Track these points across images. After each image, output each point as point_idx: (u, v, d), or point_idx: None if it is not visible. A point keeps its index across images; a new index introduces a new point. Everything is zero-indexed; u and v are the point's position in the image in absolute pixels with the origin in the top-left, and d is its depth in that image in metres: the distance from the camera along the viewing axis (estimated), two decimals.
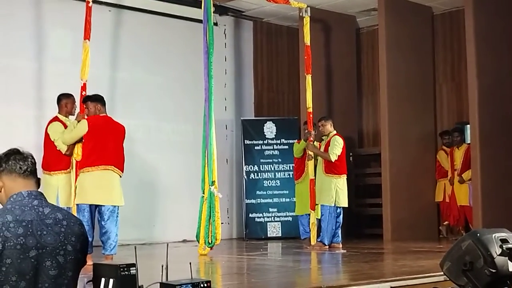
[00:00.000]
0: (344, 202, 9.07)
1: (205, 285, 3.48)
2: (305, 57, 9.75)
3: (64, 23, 9.82)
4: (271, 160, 11.51)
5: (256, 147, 11.51)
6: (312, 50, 9.76)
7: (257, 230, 11.30)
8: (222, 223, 8.45)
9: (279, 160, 11.48)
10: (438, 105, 11.55)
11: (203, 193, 8.11)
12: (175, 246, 9.49)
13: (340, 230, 9.15)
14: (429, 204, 11.04)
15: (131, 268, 3.47)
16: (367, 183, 11.80)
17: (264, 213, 11.33)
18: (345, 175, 9.15)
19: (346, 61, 12.04)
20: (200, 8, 8.55)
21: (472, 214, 9.90)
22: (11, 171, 2.90)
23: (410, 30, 11.04)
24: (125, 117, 9.24)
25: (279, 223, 11.33)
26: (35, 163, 2.98)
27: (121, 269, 3.44)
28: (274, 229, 11.30)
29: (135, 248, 3.60)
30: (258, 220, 11.33)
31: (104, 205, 7.39)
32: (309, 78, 9.63)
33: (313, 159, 9.32)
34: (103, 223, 7.38)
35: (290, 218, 11.11)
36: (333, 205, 8.98)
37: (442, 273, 3.94)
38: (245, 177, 11.41)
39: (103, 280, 3.47)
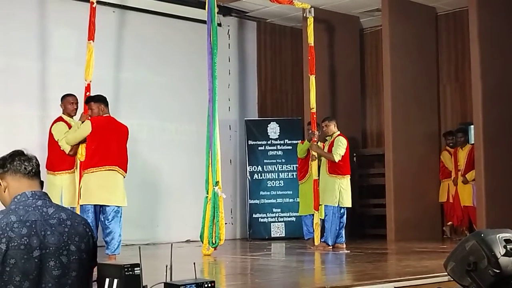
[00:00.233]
0: (347, 202, 9.07)
1: (209, 285, 3.49)
2: (309, 58, 9.75)
3: (68, 23, 9.85)
4: (275, 161, 11.51)
5: (259, 148, 11.52)
6: (315, 50, 9.77)
7: (261, 231, 11.30)
8: (226, 223, 8.44)
9: (283, 160, 11.48)
10: (442, 106, 11.54)
11: (207, 194, 8.12)
12: (178, 246, 9.48)
13: (343, 231, 9.15)
14: (433, 204, 11.03)
15: (135, 268, 3.47)
16: (371, 183, 11.79)
17: (267, 214, 11.33)
18: (349, 176, 9.15)
19: (349, 62, 12.03)
20: (204, 9, 8.56)
21: (475, 215, 9.89)
22: (16, 172, 2.91)
23: (414, 30, 11.03)
24: (129, 117, 9.26)
25: (283, 223, 11.33)
26: (39, 164, 2.99)
27: (126, 269, 3.44)
28: (277, 230, 11.30)
29: (140, 248, 3.60)
30: (261, 220, 11.33)
31: (108, 206, 7.41)
32: (312, 78, 9.64)
33: (316, 160, 9.33)
34: (107, 223, 7.40)
35: (293, 219, 11.11)
36: (336, 205, 8.98)
37: (446, 273, 3.93)
38: (249, 177, 11.41)
39: (107, 280, 3.47)
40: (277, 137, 11.54)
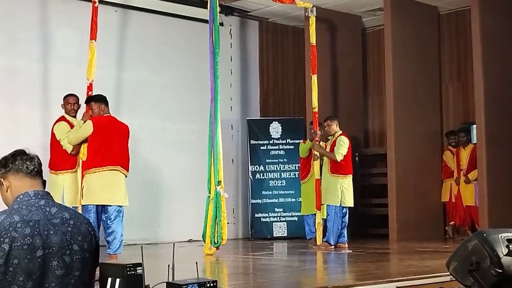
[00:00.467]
0: (350, 202, 9.06)
1: (212, 285, 3.49)
2: (311, 57, 9.74)
3: (70, 23, 9.85)
4: (277, 160, 11.50)
5: (261, 147, 11.52)
6: (317, 50, 9.76)
7: (263, 230, 11.30)
8: (228, 223, 8.45)
9: (285, 160, 11.47)
10: (444, 105, 11.53)
11: (209, 193, 8.12)
12: (180, 246, 9.49)
13: (346, 230, 9.14)
14: (435, 204, 11.02)
15: (137, 268, 3.47)
16: (373, 183, 11.78)
17: (270, 213, 11.33)
18: (351, 175, 9.15)
19: (351, 61, 12.03)
20: (206, 8, 8.56)
21: (478, 214, 9.89)
22: (18, 171, 2.91)
23: (416, 29, 11.02)
24: (130, 117, 9.26)
25: (285, 223, 11.32)
26: (41, 164, 3.00)
27: (128, 269, 3.44)
28: (280, 229, 11.30)
29: (142, 248, 3.60)
30: (264, 220, 11.33)
31: (110, 205, 7.42)
32: (314, 78, 9.63)
33: (318, 159, 9.32)
34: (109, 223, 7.40)
35: (295, 218, 11.10)
36: (339, 205, 8.98)
37: (448, 273, 3.94)
38: (251, 177, 11.41)
39: (109, 279, 3.47)
40: (279, 136, 11.54)
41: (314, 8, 9.75)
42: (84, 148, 7.55)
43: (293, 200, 11.17)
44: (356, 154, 11.23)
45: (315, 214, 9.34)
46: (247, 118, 11.77)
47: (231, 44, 11.85)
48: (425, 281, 5.49)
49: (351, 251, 8.68)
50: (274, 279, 6.48)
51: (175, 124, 11.00)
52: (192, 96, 10.94)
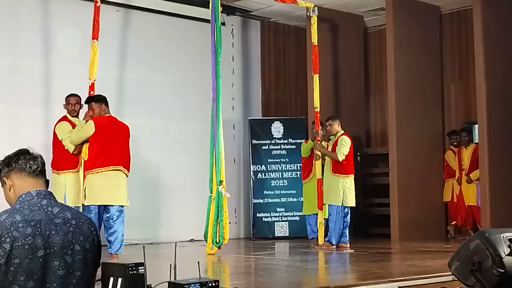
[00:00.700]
0: (351, 201, 9.06)
1: (214, 284, 3.48)
2: (313, 57, 9.74)
3: (72, 22, 9.85)
4: (279, 160, 11.50)
5: (263, 147, 11.52)
6: (319, 49, 9.76)
7: (265, 230, 11.31)
8: (229, 222, 8.44)
9: (287, 160, 11.47)
10: (446, 105, 11.53)
11: (211, 193, 8.12)
12: (182, 245, 9.50)
13: (347, 230, 9.14)
14: (437, 204, 11.02)
15: (139, 267, 3.47)
16: (375, 183, 11.78)
17: (271, 213, 11.33)
18: (353, 175, 9.14)
19: (353, 61, 12.02)
20: (208, 8, 8.55)
21: (480, 214, 9.88)
22: (21, 170, 2.91)
23: (418, 29, 11.02)
24: (132, 116, 9.28)
25: (287, 222, 11.32)
26: (44, 163, 2.99)
27: (130, 268, 3.44)
28: (281, 229, 11.29)
29: (144, 248, 3.60)
30: (265, 219, 11.33)
31: (113, 205, 7.42)
32: (316, 77, 9.63)
33: (320, 159, 9.31)
34: (111, 222, 7.41)
35: (297, 218, 11.10)
36: (340, 204, 8.97)
37: (450, 273, 3.93)
38: (253, 177, 11.41)
39: (111, 279, 3.47)
40: (281, 136, 11.54)
41: (316, 7, 9.75)
42: (85, 148, 7.56)
43: (294, 200, 11.17)
44: (358, 153, 11.22)
45: (316, 214, 9.33)
46: (249, 117, 11.77)
47: (233, 43, 11.85)
48: (427, 281, 5.49)
49: (353, 251, 8.68)
50: (276, 278, 6.48)
51: (177, 124, 11.00)
52: (194, 95, 10.94)
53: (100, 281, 3.50)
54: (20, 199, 2.86)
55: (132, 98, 10.33)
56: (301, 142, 10.23)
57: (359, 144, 11.52)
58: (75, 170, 7.62)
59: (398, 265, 7.52)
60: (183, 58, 11.06)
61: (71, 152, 7.59)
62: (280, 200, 11.38)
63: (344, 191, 8.97)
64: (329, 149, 9.22)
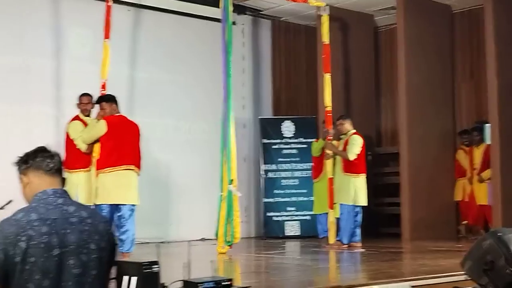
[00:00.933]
0: (362, 201, 9.04)
1: (227, 283, 3.50)
2: (324, 56, 9.73)
3: (82, 22, 9.88)
4: (289, 159, 11.50)
5: (274, 146, 11.52)
6: (330, 49, 9.75)
7: (275, 229, 11.30)
8: (240, 221, 8.45)
9: (298, 159, 11.47)
10: (457, 104, 11.49)
11: (222, 192, 8.13)
12: (193, 244, 9.47)
13: (359, 229, 9.13)
14: (448, 203, 10.98)
15: (153, 266, 3.49)
16: (386, 182, 11.75)
17: (282, 212, 11.33)
18: (364, 174, 9.12)
19: (364, 60, 12.00)
20: (219, 7, 8.57)
21: (491, 214, 9.85)
22: (38, 168, 2.92)
23: (429, 28, 10.98)
24: (143, 116, 9.29)
25: (297, 222, 11.31)
26: (61, 161, 3.00)
27: (144, 267, 3.45)
28: (292, 228, 11.29)
29: (157, 246, 3.62)
30: (276, 219, 11.33)
31: (124, 205, 7.45)
32: (327, 77, 9.62)
33: (331, 158, 9.30)
34: (123, 221, 7.44)
35: (308, 217, 11.09)
36: (351, 204, 8.96)
37: (462, 272, 3.93)
38: (263, 176, 11.42)
39: (126, 278, 3.49)
40: (292, 135, 11.54)
41: (327, 6, 9.74)
42: (97, 147, 7.59)
43: (305, 199, 11.14)
44: (369, 153, 11.19)
45: (327, 213, 9.33)
46: (259, 117, 11.77)
47: (243, 43, 11.85)
48: (439, 281, 5.47)
49: (364, 250, 8.67)
50: (287, 277, 6.49)
51: (187, 123, 11.01)
52: (205, 95, 10.95)
53: (114, 279, 3.52)
54: (36, 197, 2.86)
55: (143, 98, 10.35)
56: (312, 141, 10.23)
57: (370, 143, 11.48)
58: (87, 169, 7.66)
59: (409, 264, 7.52)
60: (194, 58, 11.08)
61: (83, 151, 7.63)
62: (291, 199, 11.37)
63: (355, 190, 8.96)
64: (340, 148, 9.20)
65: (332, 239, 9.17)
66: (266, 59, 12.26)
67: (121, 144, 7.52)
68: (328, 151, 9.33)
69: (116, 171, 7.43)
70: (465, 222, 10.79)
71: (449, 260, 6.82)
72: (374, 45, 12.38)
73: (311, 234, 10.67)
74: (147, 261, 3.50)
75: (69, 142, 7.71)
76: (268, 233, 11.25)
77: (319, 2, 9.69)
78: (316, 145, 9.81)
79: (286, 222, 11.31)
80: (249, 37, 12.05)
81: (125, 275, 3.48)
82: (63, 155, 7.56)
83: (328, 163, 9.32)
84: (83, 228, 2.81)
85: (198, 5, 11.04)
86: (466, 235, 10.68)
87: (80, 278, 2.76)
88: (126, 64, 10.29)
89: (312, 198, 10.21)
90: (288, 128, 11.55)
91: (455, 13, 11.58)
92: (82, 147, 7.63)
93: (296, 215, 11.31)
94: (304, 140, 11.36)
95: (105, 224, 2.92)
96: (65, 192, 2.93)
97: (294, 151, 11.51)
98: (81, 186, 7.65)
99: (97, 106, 7.95)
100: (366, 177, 9.25)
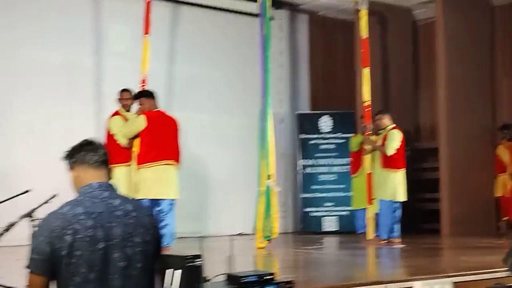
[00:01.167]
0: (401, 196, 8.97)
1: (270, 277, 3.50)
2: (362, 50, 9.66)
3: (122, 18, 9.99)
4: (327, 154, 11.47)
5: (311, 141, 11.50)
6: (368, 43, 9.68)
7: (313, 225, 11.29)
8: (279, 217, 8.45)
9: (336, 154, 11.43)
10: (497, 99, 11.33)
11: (260, 187, 8.13)
12: (232, 239, 9.52)
13: (397, 225, 9.05)
14: (488, 199, 10.84)
15: (196, 260, 3.50)
16: (425, 177, 11.64)
17: (320, 208, 11.31)
18: (404, 169, 9.04)
19: (402, 54, 11.91)
20: (256, 1, 8.56)
21: None
22: (83, 162, 2.95)
23: (468, 22, 10.85)
24: (181, 110, 9.33)
25: (336, 217, 11.29)
26: (107, 153, 3.02)
27: (187, 260, 3.47)
28: (330, 224, 11.26)
29: (199, 240, 3.64)
30: (314, 214, 11.31)
31: (165, 199, 7.50)
32: (366, 71, 9.55)
33: (370, 153, 9.24)
34: (163, 216, 7.48)
35: (346, 213, 11.05)
36: (390, 199, 8.90)
37: (504, 268, 3.88)
38: (301, 171, 11.40)
39: (169, 271, 3.51)
40: (330, 130, 11.50)
41: (366, 0, 9.67)
42: (137, 142, 7.65)
43: (344, 194, 11.11)
44: (408, 148, 11.10)
45: (366, 209, 9.27)
46: (297, 112, 11.75)
47: (281, 38, 11.83)
48: (481, 277, 5.40)
49: (403, 246, 8.60)
50: (326, 272, 6.47)
51: (225, 118, 11.05)
52: (242, 90, 10.97)
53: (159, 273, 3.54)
54: (83, 190, 2.90)
55: (181, 93, 10.41)
56: (350, 136, 10.18)
57: (408, 138, 11.38)
58: (128, 163, 7.72)
59: (450, 260, 7.45)
60: (232, 53, 11.11)
61: (123, 146, 7.69)
62: (329, 194, 11.35)
63: (394, 185, 8.89)
64: (379, 143, 9.14)
65: (370, 234, 9.12)
66: (304, 54, 12.23)
67: (160, 139, 7.57)
68: (367, 146, 9.27)
69: (156, 166, 7.48)
70: (505, 218, 10.64)
71: (490, 256, 6.72)
72: (413, 39, 12.27)
73: (349, 229, 10.63)
74: (190, 254, 3.51)
75: (110, 137, 7.79)
76: (306, 228, 11.24)
77: None
78: (355, 140, 9.76)
79: (324, 217, 11.29)
80: (287, 32, 12.04)
81: (168, 268, 3.51)
82: None
83: (367, 158, 9.28)
84: (128, 221, 2.83)
85: (236, 0, 11.06)
86: (507, 231, 10.53)
87: (125, 271, 2.78)
88: (165, 59, 10.37)
89: (350, 193, 10.16)
90: (326, 123, 11.52)
91: (496, 6, 11.41)
92: (123, 141, 7.70)
93: (334, 211, 11.29)
94: (342, 135, 11.32)
95: (150, 217, 2.94)
96: (111, 185, 2.96)
97: (332, 146, 11.47)
98: (121, 180, 7.70)
99: (137, 102, 8.00)
100: (405, 172, 9.17)
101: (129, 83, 8.29)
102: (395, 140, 8.95)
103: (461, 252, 7.69)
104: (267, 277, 3.49)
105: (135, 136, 7.62)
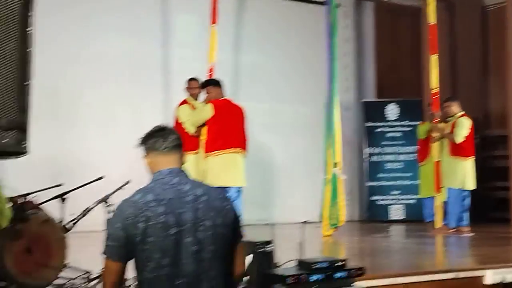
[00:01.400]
0: (471, 185, 8.82)
1: (341, 264, 3.52)
2: (430, 37, 9.50)
3: (189, 8, 10.09)
4: (394, 142, 11.37)
5: (377, 129, 11.41)
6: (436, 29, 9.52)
7: (379, 213, 11.22)
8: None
9: (402, 142, 11.31)
10: None
11: (327, 175, 8.13)
12: (297, 227, 9.55)
13: (466, 214, 8.91)
14: None
15: (267, 246, 3.55)
16: (495, 165, 11.40)
17: (386, 196, 11.23)
18: (473, 157, 8.88)
19: (471, 40, 11.67)
20: None
21: None
22: (153, 149, 3.01)
23: None
24: (247, 99, 9.38)
25: (402, 205, 11.18)
26: (179, 138, 3.07)
27: (258, 246, 3.52)
28: (397, 212, 11.17)
29: (270, 227, 3.69)
30: (380, 202, 11.24)
31: (232, 187, 7.58)
32: (434, 58, 9.38)
33: (438, 141, 9.11)
34: None
35: (413, 201, 10.94)
36: (459, 188, 8.76)
37: None
38: (367, 159, 11.33)
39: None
40: (396, 118, 11.39)
41: None
42: (204, 130, 7.74)
43: (410, 182, 10.99)
44: (477, 135, 10.89)
45: (434, 197, 9.15)
46: (363, 100, 11.67)
47: (346, 25, 11.75)
48: None
49: (472, 234, 8.47)
50: (393, 260, 6.46)
51: (291, 106, 11.06)
52: (308, 78, 10.95)
53: None
54: (154, 177, 2.96)
55: (247, 81, 10.47)
56: (417, 124, 10.06)
57: (478, 126, 11.14)
58: (196, 151, 7.82)
59: None
60: (298, 41, 11.10)
61: (191, 134, 7.80)
62: (396, 182, 11.25)
63: (463, 174, 8.75)
64: (447, 131, 9.00)
65: (438, 223, 9.00)
66: (370, 41, 12.12)
67: (227, 127, 7.64)
68: (435, 134, 9.14)
69: (224, 154, 7.55)
70: None
71: None
72: (482, 25, 11.99)
73: (416, 218, 10.49)
74: (261, 240, 3.56)
75: (178, 126, 7.89)
76: (372, 216, 11.19)
77: None
78: (422, 128, 9.64)
79: (390, 205, 11.20)
80: (352, 19, 11.95)
81: None
82: None
83: (435, 146, 9.14)
84: (198, 206, 2.87)
85: None
86: None
87: (197, 255, 2.83)
88: (231, 48, 10.44)
89: (417, 182, 10.04)
90: (392, 110, 11.41)
91: None
92: (191, 130, 7.80)
93: (401, 199, 11.19)
94: (409, 123, 11.19)
95: (221, 200, 2.96)
96: (182, 170, 2.99)
97: (398, 134, 11.36)
98: (190, 168, 7.81)
99: (204, 90, 8.09)
100: (475, 160, 9.01)
101: (196, 73, 8.38)
102: (464, 128, 8.81)
103: None
104: (338, 264, 3.51)
105: (203, 124, 7.71)
